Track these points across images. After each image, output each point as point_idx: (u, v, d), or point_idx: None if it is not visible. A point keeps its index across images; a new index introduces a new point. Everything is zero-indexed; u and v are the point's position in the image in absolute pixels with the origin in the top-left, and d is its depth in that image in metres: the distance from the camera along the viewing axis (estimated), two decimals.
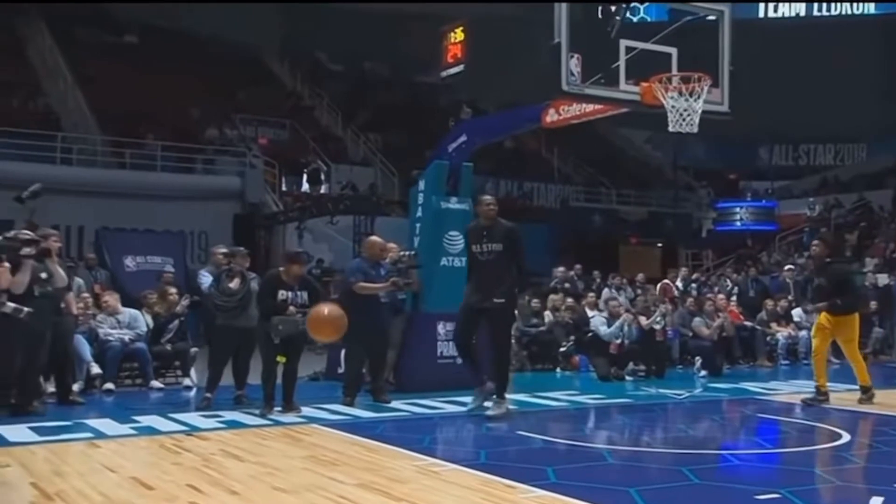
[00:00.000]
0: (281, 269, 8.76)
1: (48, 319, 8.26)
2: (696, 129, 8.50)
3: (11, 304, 7.63)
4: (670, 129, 8.53)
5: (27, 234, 8.09)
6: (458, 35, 10.62)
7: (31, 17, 27.41)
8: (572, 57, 8.28)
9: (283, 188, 24.52)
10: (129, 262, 17.37)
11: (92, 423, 7.87)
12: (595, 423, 8.85)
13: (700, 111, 8.39)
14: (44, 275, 8.18)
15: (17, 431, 7.18)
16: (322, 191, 24.78)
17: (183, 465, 6.00)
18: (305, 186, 25.03)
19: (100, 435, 7.29)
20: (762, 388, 11.20)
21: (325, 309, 8.16)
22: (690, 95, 8.27)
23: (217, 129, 25.15)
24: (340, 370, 11.06)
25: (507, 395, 8.56)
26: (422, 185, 11.07)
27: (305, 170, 25.18)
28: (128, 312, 10.89)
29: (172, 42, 28.34)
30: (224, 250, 11.06)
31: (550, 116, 9.65)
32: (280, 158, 24.46)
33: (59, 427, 7.52)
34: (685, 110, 8.32)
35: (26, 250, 7.79)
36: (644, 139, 34.69)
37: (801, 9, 32.28)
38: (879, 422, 8.44)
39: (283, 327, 8.38)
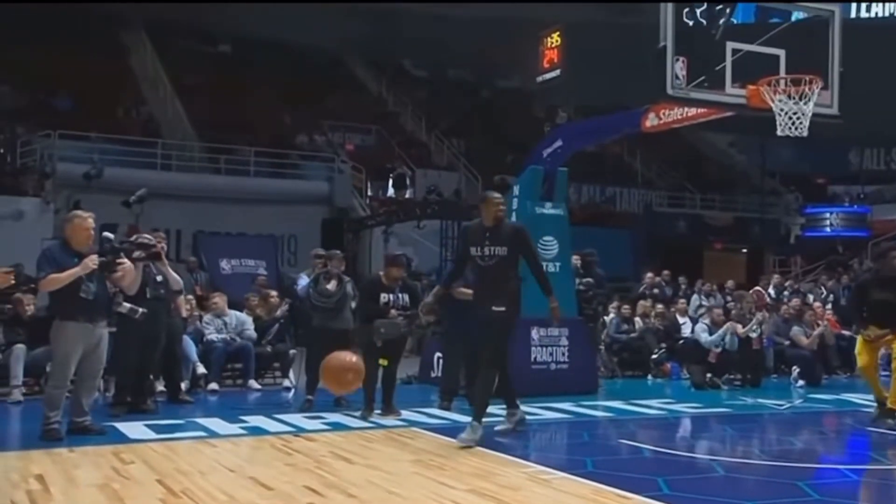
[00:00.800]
0: (381, 272, 8.75)
1: (162, 321, 8.42)
2: (805, 133, 8.23)
3: (127, 304, 7.76)
4: (779, 132, 8.26)
5: (147, 237, 8.22)
6: (555, 40, 10.47)
7: (134, 29, 28.17)
8: (677, 60, 8.12)
9: (370, 193, 24.64)
10: (225, 264, 17.70)
11: (202, 421, 7.98)
12: (697, 433, 8.61)
13: (810, 114, 8.13)
14: (159, 278, 8.34)
15: (135, 429, 7.35)
16: (407, 195, 24.86)
17: (296, 466, 6.01)
18: (391, 191, 25.13)
19: (212, 434, 7.38)
20: (866, 400, 10.79)
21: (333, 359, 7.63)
22: (800, 98, 8.02)
23: (306, 135, 25.44)
24: (433, 374, 11.11)
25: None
26: (516, 190, 10.96)
27: (391, 175, 25.29)
28: (234, 315, 11.05)
29: (263, 51, 28.75)
30: (322, 253, 11.21)
31: (651, 121, 9.47)
32: (366, 164, 24.64)
33: (173, 425, 7.67)
34: (794, 114, 8.07)
35: (138, 253, 7.91)
36: (727, 143, 33.90)
37: (894, 8, 31.30)
38: None
39: (384, 330, 8.38)
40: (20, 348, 9.38)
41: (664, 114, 9.28)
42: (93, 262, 6.83)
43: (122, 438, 6.99)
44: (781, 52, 8.52)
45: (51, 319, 7.21)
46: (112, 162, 18.93)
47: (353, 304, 9.34)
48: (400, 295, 8.49)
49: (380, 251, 20.04)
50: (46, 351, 9.54)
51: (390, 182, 25.18)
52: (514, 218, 10.84)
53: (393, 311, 8.42)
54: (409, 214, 21.02)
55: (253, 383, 10.82)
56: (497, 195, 7.37)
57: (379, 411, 8.38)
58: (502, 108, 30.78)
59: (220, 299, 11.19)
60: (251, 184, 21.33)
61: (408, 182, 25.13)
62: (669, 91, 8.18)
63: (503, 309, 7.04)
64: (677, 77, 8.16)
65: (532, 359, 10.31)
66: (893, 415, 8.20)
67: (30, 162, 19.18)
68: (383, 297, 8.46)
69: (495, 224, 7.07)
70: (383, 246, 20.20)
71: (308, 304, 9.45)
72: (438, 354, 10.87)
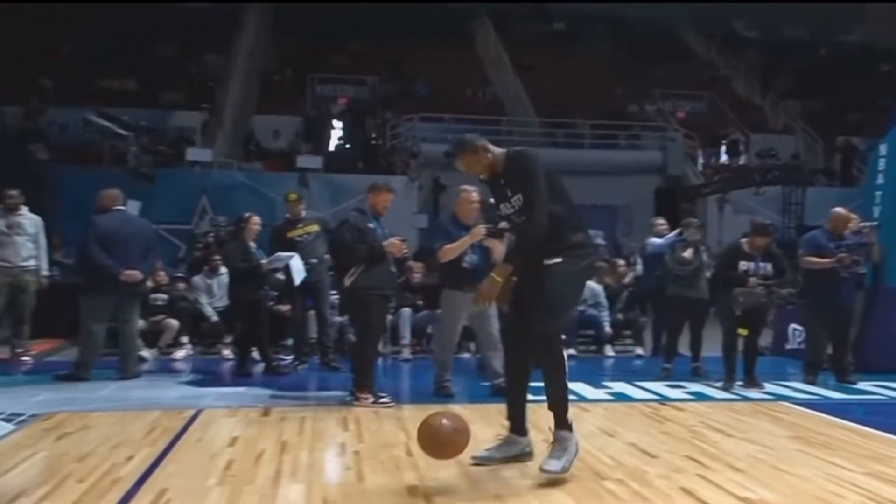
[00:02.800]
0: (743, 239, 8.34)
1: None
2: None
3: None
4: None
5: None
6: None
7: (479, 17, 29.21)
8: None
9: (702, 160, 23.79)
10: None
11: (572, 385, 8.02)
12: None
13: None
14: None
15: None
16: (741, 161, 23.73)
17: (671, 435, 5.87)
18: (724, 158, 24.10)
19: (582, 398, 7.43)
20: None
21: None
22: None
23: (638, 105, 25.02)
24: (787, 346, 10.52)
25: None
26: (883, 149, 9.99)
27: (724, 141, 24.25)
28: (589, 286, 11.10)
29: (595, 26, 28.65)
30: (662, 222, 10.99)
31: None
32: (698, 131, 23.81)
33: (537, 388, 7.74)
34: None
35: (503, 225, 8.07)
36: None
37: None
38: None
39: (743, 299, 8.01)
40: (407, 311, 10.06)
41: None
42: (479, 232, 7.08)
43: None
44: None
45: (437, 287, 7.60)
46: None
47: (708, 274, 9.06)
48: (762, 264, 8.04)
49: (715, 219, 19.36)
50: (428, 314, 10.22)
51: (723, 148, 24.16)
52: (880, 180, 9.96)
53: (752, 280, 8.01)
54: (747, 181, 20.07)
55: (608, 349, 10.84)
56: None
57: (740, 382, 8.07)
58: (843, 66, 28.35)
59: None
60: (586, 156, 21.34)
61: (741, 148, 23.95)
62: None
63: None
64: None
65: None
66: None
67: (397, 144, 20.50)
68: (743, 265, 8.06)
69: None
70: (718, 214, 19.50)
71: (665, 271, 9.29)
72: (794, 326, 10.26)
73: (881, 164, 9.97)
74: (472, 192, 7.33)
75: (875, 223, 9.47)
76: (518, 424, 5.01)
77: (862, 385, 8.30)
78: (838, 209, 8.86)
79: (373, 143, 20.99)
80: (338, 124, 21.89)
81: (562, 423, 4.66)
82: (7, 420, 6.14)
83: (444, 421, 4.38)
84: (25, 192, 9.63)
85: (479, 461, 4.79)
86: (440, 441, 4.37)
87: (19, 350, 9.43)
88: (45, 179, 15.75)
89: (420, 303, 10.50)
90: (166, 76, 22.85)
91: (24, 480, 4.52)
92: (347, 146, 21.20)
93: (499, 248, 7.45)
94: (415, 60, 25.18)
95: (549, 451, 4.60)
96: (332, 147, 21.30)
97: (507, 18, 28.81)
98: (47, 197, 14.98)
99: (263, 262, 8.65)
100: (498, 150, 4.81)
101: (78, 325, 8.36)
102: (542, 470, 4.47)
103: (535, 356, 4.84)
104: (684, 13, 31.26)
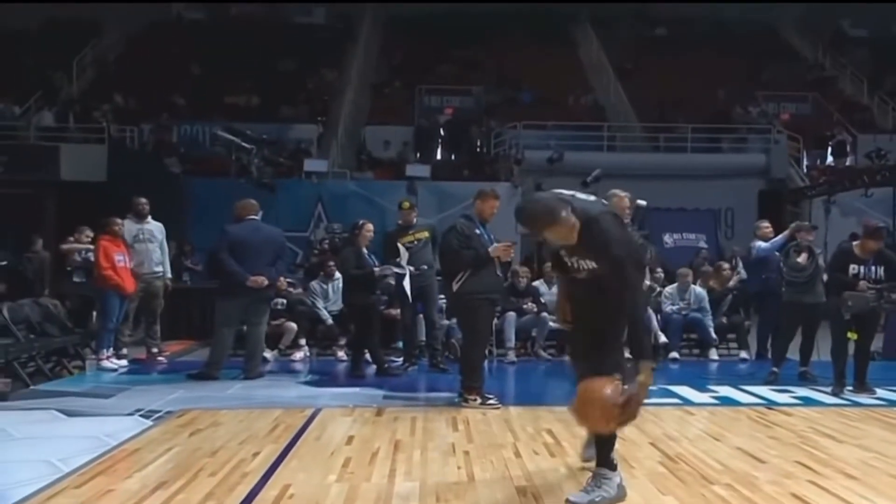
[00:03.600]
0: (854, 242, 8.02)
1: None
2: None
3: None
4: None
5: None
6: None
7: (581, 22, 29.00)
8: None
9: (807, 162, 22.95)
10: (668, 238, 17.56)
11: (674, 389, 7.93)
12: None
13: None
14: None
15: None
16: (847, 163, 22.78)
17: (780, 440, 5.72)
18: (830, 159, 23.17)
19: (686, 402, 7.33)
20: None
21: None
22: None
23: (741, 108, 24.34)
24: None
25: None
26: None
27: (830, 142, 23.31)
28: (692, 289, 10.90)
29: (698, 29, 28.07)
30: (767, 225, 10.68)
31: None
32: (803, 132, 22.92)
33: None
34: None
35: None
36: None
37: None
38: None
39: (852, 303, 7.71)
40: (512, 315, 10.05)
41: None
42: None
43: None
44: None
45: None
46: (567, 147, 19.51)
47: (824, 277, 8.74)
48: (873, 267, 7.73)
49: (821, 222, 18.55)
50: (532, 318, 10.18)
51: (829, 150, 23.24)
52: None
53: (862, 284, 7.70)
54: (855, 183, 19.22)
55: (713, 353, 10.60)
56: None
57: (850, 388, 7.77)
58: None
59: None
60: (689, 159, 20.88)
61: (848, 149, 23.00)
62: None
63: None
64: None
65: None
66: None
67: (501, 151, 20.51)
68: (853, 268, 7.78)
69: None
70: (824, 217, 18.73)
71: (781, 277, 9.01)
72: None
73: None
74: (624, 198, 7.04)
75: None
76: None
77: None
78: None
79: (478, 150, 21.07)
80: (444, 133, 22.11)
81: (604, 462, 4.24)
82: (145, 416, 6.44)
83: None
84: (161, 201, 10.03)
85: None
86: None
87: (154, 350, 9.82)
88: (179, 190, 16.47)
89: (526, 306, 10.45)
90: (286, 92, 23.49)
91: (163, 473, 4.73)
92: (453, 155, 21.35)
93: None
94: (518, 68, 25.14)
95: (585, 484, 4.24)
96: (438, 155, 21.51)
97: (608, 24, 28.47)
98: (181, 206, 15.67)
99: (376, 268, 8.80)
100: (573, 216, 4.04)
101: (208, 328, 8.67)
102: (567, 501, 4.10)
103: None
104: (789, 13, 30.37)
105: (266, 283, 8.26)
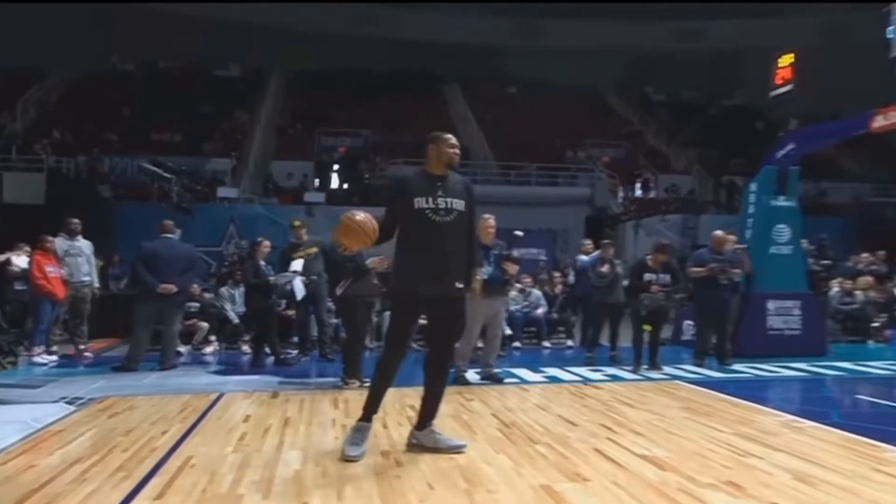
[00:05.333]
0: (648, 255, 8.42)
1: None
2: None
3: None
4: None
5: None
6: (787, 60, 9.55)
7: (451, 84, 29.36)
8: None
9: (622, 194, 23.96)
10: (516, 252, 17.78)
11: (515, 371, 8.08)
12: None
13: None
14: None
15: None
16: (651, 195, 23.94)
17: (590, 408, 5.91)
18: (639, 192, 24.28)
19: (524, 381, 7.45)
20: None
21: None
22: None
23: (573, 151, 25.16)
24: (683, 337, 10.58)
25: None
26: (753, 186, 10.14)
27: (638, 180, 24.44)
28: (533, 292, 11.15)
29: (540, 89, 28.87)
30: (588, 242, 11.05)
31: (878, 122, 8.37)
32: (619, 172, 23.93)
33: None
34: None
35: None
36: None
37: None
38: None
39: (647, 302, 8.11)
40: (388, 313, 9.99)
41: (892, 115, 8.16)
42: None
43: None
44: None
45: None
46: None
47: (625, 283, 9.10)
48: (662, 275, 8.14)
49: (631, 241, 19.44)
50: None
51: (638, 185, 24.35)
52: (751, 210, 10.08)
53: (654, 287, 8.10)
54: (655, 210, 20.25)
55: (546, 342, 10.86)
56: (451, 136, 4.37)
57: (646, 366, 8.12)
58: (728, 122, 28.77)
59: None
60: (533, 191, 21.37)
61: (651, 185, 24.17)
62: None
63: (463, 287, 4.30)
64: None
65: (768, 326, 9.56)
66: None
67: (385, 182, 20.43)
68: (647, 276, 8.17)
69: (446, 173, 4.29)
70: (633, 236, 19.58)
71: (588, 282, 9.34)
72: (687, 321, 10.36)
73: (752, 198, 10.10)
74: (490, 219, 7.30)
75: (745, 245, 9.59)
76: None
77: (737, 366, 8.41)
78: (717, 232, 9.03)
79: (366, 181, 20.99)
80: (339, 167, 21.94)
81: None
82: (70, 403, 6.09)
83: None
84: (93, 222, 9.57)
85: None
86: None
87: (81, 347, 9.33)
88: (109, 212, 15.74)
89: None
90: (204, 131, 22.80)
91: (81, 451, 4.49)
92: (346, 185, 21.21)
93: (513, 268, 7.51)
94: (399, 117, 25.23)
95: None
96: (334, 185, 21.31)
97: (471, 84, 28.99)
98: (110, 226, 14.97)
99: (272, 277, 8.62)
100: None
101: (130, 327, 8.32)
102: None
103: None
104: (609, 80, 31.66)
105: (175, 289, 7.97)
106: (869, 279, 12.53)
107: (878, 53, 7.46)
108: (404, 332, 4.40)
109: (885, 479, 3.90)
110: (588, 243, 11.10)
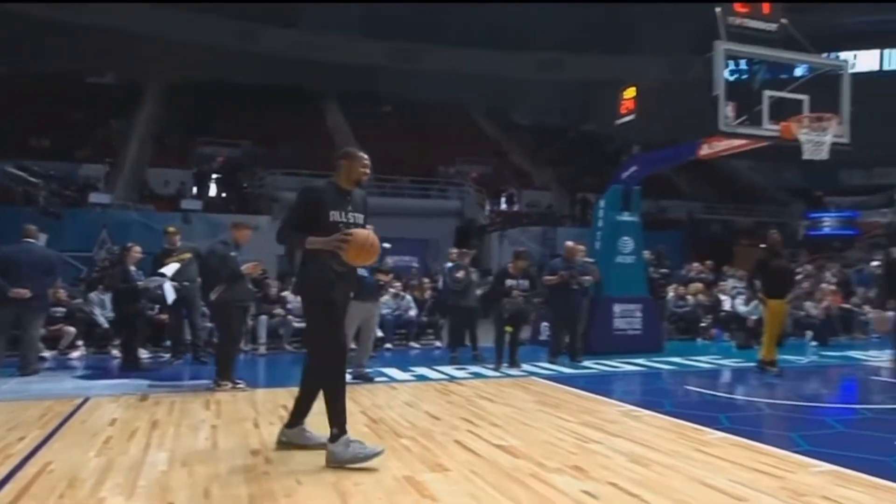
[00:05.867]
0: (509, 263, 8.63)
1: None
2: (826, 157, 7.70)
3: None
4: (804, 157, 7.76)
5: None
6: (631, 93, 10.15)
7: (329, 100, 28.95)
8: (727, 105, 7.71)
9: (489, 207, 24.53)
10: (389, 260, 17.75)
11: (386, 370, 8.03)
12: (741, 381, 8.03)
13: (829, 142, 7.59)
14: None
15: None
16: (515, 209, 24.67)
17: (454, 403, 5.96)
18: (504, 206, 24.95)
19: (393, 379, 7.42)
20: (865, 356, 10.06)
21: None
22: (822, 131, 7.48)
23: (444, 167, 25.48)
24: (541, 337, 10.92)
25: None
26: (602, 203, 10.65)
27: (503, 194, 25.11)
28: (405, 297, 11.14)
29: (414, 109, 29.07)
30: (455, 251, 11.17)
31: (704, 150, 9.01)
32: (486, 186, 24.49)
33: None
34: (817, 143, 7.53)
35: None
36: (746, 167, 32.23)
37: (874, 66, 29.40)
38: None
39: (509, 306, 8.28)
40: (264, 318, 9.71)
41: (714, 145, 8.81)
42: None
43: None
44: (805, 97, 8.02)
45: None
46: None
47: (479, 289, 9.25)
48: (521, 281, 8.35)
49: (496, 250, 19.95)
50: (280, 319, 9.90)
51: (503, 199, 25.01)
52: (600, 224, 10.56)
53: (515, 293, 8.30)
54: (518, 222, 20.87)
55: (413, 344, 10.87)
56: (365, 155, 4.22)
57: (506, 364, 8.29)
58: (582, 145, 30.18)
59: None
60: (407, 202, 21.46)
61: (515, 199, 24.91)
62: (722, 127, 7.80)
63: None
64: (727, 117, 7.76)
65: (614, 326, 10.03)
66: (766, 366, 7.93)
67: (263, 191, 19.90)
68: (509, 282, 8.34)
69: (353, 189, 4.17)
70: (499, 246, 20.09)
71: (445, 287, 9.43)
72: (544, 323, 10.69)
73: (601, 213, 10.60)
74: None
75: (593, 260, 9.95)
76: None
77: (586, 363, 8.74)
78: (568, 243, 9.39)
79: (244, 190, 20.32)
80: (218, 176, 21.11)
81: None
82: None
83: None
84: None
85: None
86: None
87: None
88: None
89: (276, 311, 10.13)
90: (77, 138, 21.22)
91: None
92: (224, 194, 20.43)
93: (386, 277, 7.39)
94: (278, 130, 24.65)
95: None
96: (212, 193, 20.47)
97: (349, 101, 28.78)
98: None
99: (140, 283, 8.13)
100: None
101: None
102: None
103: None
104: (479, 103, 32.37)
105: (28, 294, 7.30)
106: (699, 285, 13.43)
107: (706, 91, 8.04)
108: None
109: (705, 458, 4.17)
110: (456, 252, 11.22)
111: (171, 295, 8.13)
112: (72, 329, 9.16)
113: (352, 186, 4.15)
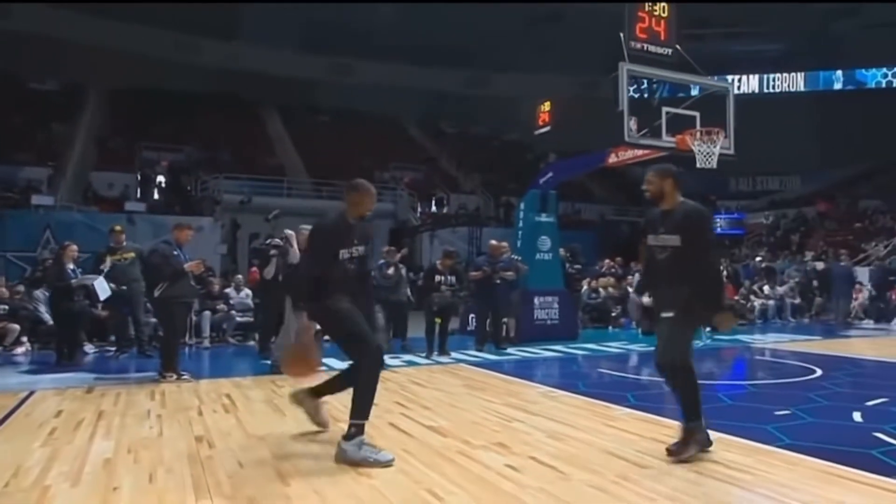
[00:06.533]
0: (438, 261, 8.68)
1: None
2: (715, 166, 8.08)
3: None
4: (698, 165, 8.12)
5: (277, 241, 8.07)
6: (547, 106, 10.36)
7: (269, 109, 28.30)
8: (631, 119, 7.99)
9: (420, 210, 24.56)
10: None
11: (326, 360, 7.90)
12: (647, 363, 8.24)
13: (717, 153, 7.97)
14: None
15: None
16: (444, 211, 24.78)
17: (388, 389, 5.94)
18: (434, 209, 25.02)
19: (331, 368, 7.27)
20: (751, 339, 10.62)
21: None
22: (712, 143, 7.85)
23: (379, 171, 25.34)
24: (468, 328, 11.02)
25: None
26: (522, 206, 10.85)
27: (434, 198, 25.17)
28: None
29: (351, 118, 28.78)
30: (386, 249, 11.13)
31: (612, 159, 9.32)
32: (418, 190, 24.48)
33: None
34: (707, 153, 7.90)
35: (273, 252, 7.87)
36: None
37: (756, 88, 31.20)
38: (836, 360, 7.87)
39: (438, 299, 8.34)
40: (207, 313, 9.44)
41: (621, 154, 9.12)
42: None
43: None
44: (697, 114, 8.40)
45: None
46: (255, 192, 18.97)
47: (407, 285, 9.23)
48: (449, 277, 8.42)
49: (427, 249, 19.99)
50: (223, 315, 9.64)
51: (433, 202, 25.08)
52: (521, 225, 10.75)
53: (443, 287, 8.36)
54: (447, 224, 20.97)
55: None
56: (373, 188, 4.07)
57: (437, 353, 8.34)
58: (506, 153, 30.57)
59: None
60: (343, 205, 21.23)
61: (445, 202, 25.02)
62: (626, 139, 8.07)
63: None
64: (631, 129, 8.04)
65: (535, 317, 10.23)
66: None
67: (206, 194, 19.30)
68: (437, 277, 8.41)
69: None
70: (430, 245, 20.14)
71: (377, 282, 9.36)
72: (472, 315, 10.79)
73: (521, 214, 10.81)
74: (306, 230, 6.67)
75: (519, 257, 10.09)
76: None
77: (511, 350, 8.90)
78: (492, 242, 9.54)
79: (188, 193, 19.66)
80: (161, 179, 20.35)
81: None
82: None
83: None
84: None
85: None
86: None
87: None
88: None
89: (219, 306, 9.86)
90: (18, 141, 20.00)
91: None
92: (167, 196, 19.71)
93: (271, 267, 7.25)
94: (220, 135, 23.95)
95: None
96: (156, 196, 19.71)
97: (286, 111, 28.24)
98: None
99: (74, 281, 7.76)
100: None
101: None
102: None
103: None
104: (412, 113, 32.31)
105: None
106: (610, 279, 13.86)
107: (614, 106, 8.30)
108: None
109: (613, 431, 4.33)
110: (386, 250, 11.18)
111: (104, 291, 7.79)
112: (16, 326, 8.68)
113: (357, 220, 3.98)
